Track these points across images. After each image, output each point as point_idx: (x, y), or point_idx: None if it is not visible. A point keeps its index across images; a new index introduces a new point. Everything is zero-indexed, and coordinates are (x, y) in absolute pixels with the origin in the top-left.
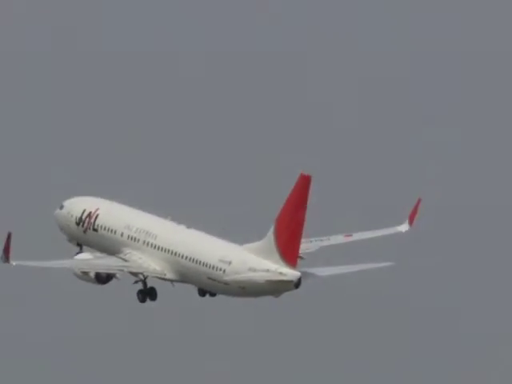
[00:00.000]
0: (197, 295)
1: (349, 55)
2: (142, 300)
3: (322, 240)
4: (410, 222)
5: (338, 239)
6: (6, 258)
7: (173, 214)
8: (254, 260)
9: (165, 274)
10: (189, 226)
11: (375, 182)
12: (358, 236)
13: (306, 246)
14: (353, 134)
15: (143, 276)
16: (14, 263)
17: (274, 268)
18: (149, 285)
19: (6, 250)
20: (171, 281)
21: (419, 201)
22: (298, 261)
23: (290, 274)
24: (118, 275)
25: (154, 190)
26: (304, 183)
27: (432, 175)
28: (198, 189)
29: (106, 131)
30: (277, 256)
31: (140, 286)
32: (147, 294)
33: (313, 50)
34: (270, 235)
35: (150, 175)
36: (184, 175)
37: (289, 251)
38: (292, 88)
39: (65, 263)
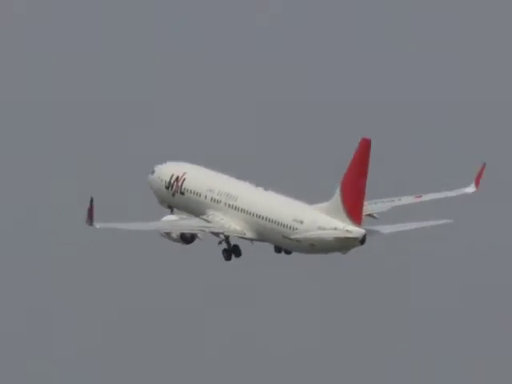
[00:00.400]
0: (273, 252)
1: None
2: (227, 258)
3: (393, 200)
4: (476, 185)
5: (409, 200)
6: (90, 222)
7: (250, 176)
8: (323, 219)
9: (244, 234)
10: (266, 188)
11: (444, 145)
12: (427, 197)
13: (379, 206)
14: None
15: (224, 236)
16: (97, 226)
17: (342, 226)
18: (232, 243)
19: (90, 213)
20: (251, 240)
21: (484, 165)
22: (370, 219)
23: (356, 231)
24: (199, 235)
25: (236, 155)
26: (364, 146)
27: (497, 140)
28: (270, 153)
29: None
30: (343, 215)
31: (224, 245)
32: (232, 251)
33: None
34: (337, 196)
35: (229, 142)
36: (259, 141)
37: (354, 210)
38: None
39: (150, 225)
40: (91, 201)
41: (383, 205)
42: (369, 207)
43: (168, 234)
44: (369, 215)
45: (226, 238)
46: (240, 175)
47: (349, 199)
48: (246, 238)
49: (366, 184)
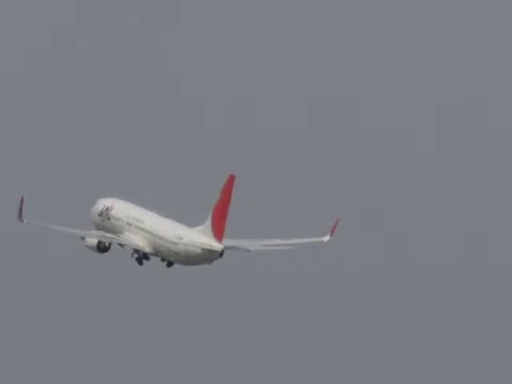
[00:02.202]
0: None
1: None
2: (140, 263)
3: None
4: (331, 235)
5: (278, 241)
6: (20, 217)
7: (156, 207)
8: (196, 237)
9: (144, 248)
10: (165, 216)
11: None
12: (291, 241)
13: (253, 243)
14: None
15: (132, 249)
16: (25, 221)
17: (208, 242)
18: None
19: (20, 209)
20: (148, 253)
21: (338, 219)
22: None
23: (217, 246)
24: (107, 244)
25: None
26: (230, 181)
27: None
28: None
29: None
30: (211, 235)
31: (135, 255)
32: (143, 258)
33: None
34: (208, 221)
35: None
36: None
37: (218, 232)
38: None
39: (74, 230)
40: (22, 199)
41: (256, 243)
42: (242, 243)
43: (86, 241)
44: (245, 250)
45: (137, 251)
46: (151, 207)
47: (215, 224)
48: (145, 252)
49: (228, 212)
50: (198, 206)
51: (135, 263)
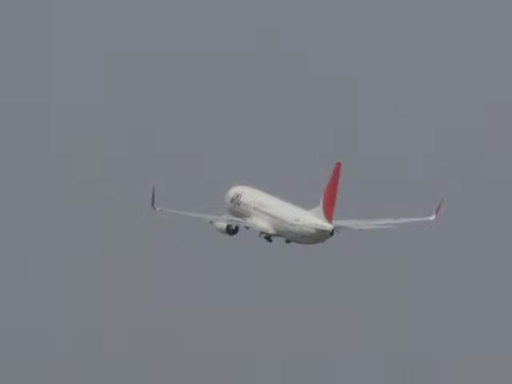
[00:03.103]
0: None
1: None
2: (269, 240)
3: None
4: (436, 214)
5: (387, 221)
6: (152, 205)
7: (280, 193)
8: (310, 219)
9: (268, 230)
10: (285, 201)
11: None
12: (399, 221)
13: (363, 222)
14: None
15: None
16: (158, 209)
17: (320, 223)
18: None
19: (152, 198)
20: (272, 234)
21: (442, 200)
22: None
23: (328, 226)
24: (234, 227)
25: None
26: (337, 169)
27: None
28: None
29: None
30: (322, 216)
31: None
32: (268, 238)
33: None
34: (320, 205)
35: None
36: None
37: (328, 214)
38: None
39: (206, 216)
40: (153, 189)
41: (366, 222)
42: (352, 223)
43: (216, 225)
44: (343, 228)
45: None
46: (273, 192)
47: (326, 206)
48: (268, 233)
49: (336, 196)
50: (312, 191)
51: (263, 241)
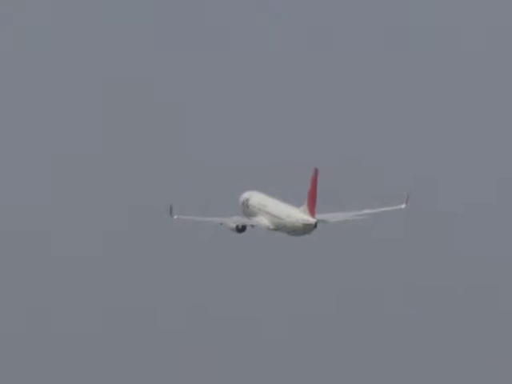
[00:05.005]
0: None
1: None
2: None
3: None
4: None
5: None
6: (171, 213)
7: (278, 193)
8: (298, 215)
9: (269, 226)
10: (281, 201)
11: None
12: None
13: (340, 215)
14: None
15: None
16: (175, 216)
17: (305, 218)
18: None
19: (170, 210)
20: (271, 229)
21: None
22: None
23: (311, 220)
24: (240, 226)
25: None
26: (315, 173)
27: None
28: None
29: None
30: (307, 212)
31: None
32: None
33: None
34: (305, 204)
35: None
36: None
37: (311, 211)
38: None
39: (217, 219)
40: (170, 207)
41: (344, 214)
42: (333, 216)
43: (228, 225)
44: (324, 221)
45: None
46: (273, 194)
47: (309, 204)
48: (270, 228)
49: (316, 195)
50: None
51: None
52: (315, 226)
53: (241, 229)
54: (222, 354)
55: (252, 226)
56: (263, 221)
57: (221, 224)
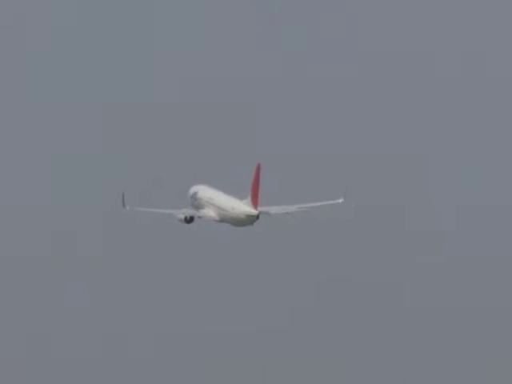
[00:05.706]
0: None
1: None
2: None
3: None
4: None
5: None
6: (123, 204)
7: (223, 187)
8: (242, 206)
9: (215, 218)
10: (226, 193)
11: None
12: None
13: (279, 208)
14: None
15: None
16: (127, 207)
17: (248, 209)
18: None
19: (123, 199)
20: (217, 220)
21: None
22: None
23: (254, 212)
24: (188, 217)
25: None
26: (258, 169)
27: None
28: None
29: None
30: (250, 204)
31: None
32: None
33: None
34: (249, 197)
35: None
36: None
37: (254, 203)
38: None
39: (168, 211)
40: (122, 194)
41: (286, 207)
42: (276, 208)
43: (176, 217)
44: (266, 213)
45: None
46: (220, 187)
47: (252, 197)
48: (215, 220)
49: (259, 188)
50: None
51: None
52: (257, 217)
53: (189, 220)
54: (161, 345)
55: (199, 217)
56: (210, 212)
57: (170, 215)
